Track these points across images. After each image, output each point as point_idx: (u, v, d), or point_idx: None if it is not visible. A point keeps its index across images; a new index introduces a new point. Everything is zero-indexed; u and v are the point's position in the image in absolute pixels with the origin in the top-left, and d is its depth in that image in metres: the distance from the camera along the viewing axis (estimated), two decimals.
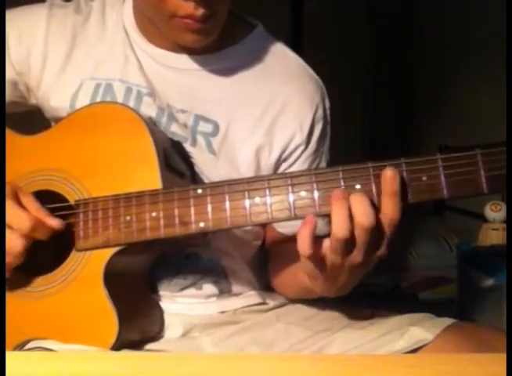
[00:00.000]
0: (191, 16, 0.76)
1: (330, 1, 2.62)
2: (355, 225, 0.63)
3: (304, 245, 0.63)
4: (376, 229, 0.63)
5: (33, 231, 0.74)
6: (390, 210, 0.63)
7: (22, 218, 0.74)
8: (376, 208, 0.64)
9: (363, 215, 0.62)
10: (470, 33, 2.20)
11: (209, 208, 0.69)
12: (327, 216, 0.66)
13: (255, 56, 0.90)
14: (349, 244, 0.64)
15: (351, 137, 2.49)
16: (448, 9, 2.34)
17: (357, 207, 0.63)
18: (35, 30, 0.88)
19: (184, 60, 0.87)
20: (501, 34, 1.26)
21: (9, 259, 0.75)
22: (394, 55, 2.74)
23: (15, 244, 0.74)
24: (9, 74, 0.90)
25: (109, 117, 0.79)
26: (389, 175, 0.63)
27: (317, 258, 0.66)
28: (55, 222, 0.76)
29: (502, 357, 0.54)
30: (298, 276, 0.75)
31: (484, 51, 2.08)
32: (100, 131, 0.79)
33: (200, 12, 0.75)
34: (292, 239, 0.70)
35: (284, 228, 0.89)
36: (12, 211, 0.74)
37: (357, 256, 0.65)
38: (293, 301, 0.92)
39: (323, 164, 0.91)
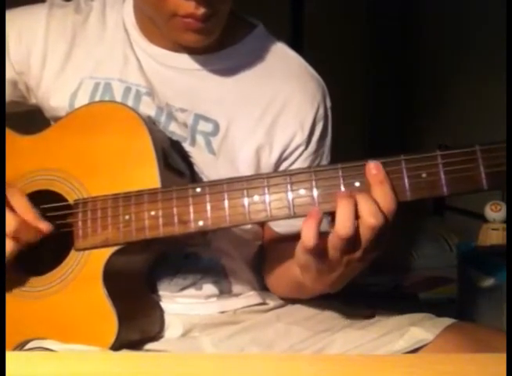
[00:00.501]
0: (192, 16, 0.76)
1: (330, 1, 2.62)
2: (361, 225, 0.63)
3: (309, 235, 0.63)
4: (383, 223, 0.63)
5: (18, 233, 0.74)
6: (381, 200, 0.63)
7: (8, 219, 0.73)
8: None
9: (370, 214, 0.62)
10: (470, 33, 2.20)
11: (208, 207, 0.69)
12: (329, 215, 0.66)
13: (256, 56, 0.90)
14: (351, 242, 0.63)
15: (351, 137, 2.48)
16: (448, 9, 2.34)
17: (364, 207, 0.62)
18: (35, 30, 0.88)
19: (184, 60, 0.87)
20: (501, 34, 1.26)
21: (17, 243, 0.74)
22: (394, 55, 2.74)
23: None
24: (9, 73, 0.90)
25: (107, 116, 0.79)
26: (372, 166, 0.63)
27: (317, 251, 0.65)
28: (43, 225, 0.75)
29: (502, 357, 0.54)
30: (290, 269, 0.75)
31: (484, 51, 2.08)
32: (99, 130, 0.79)
33: (201, 11, 0.75)
34: (287, 238, 0.69)
35: (280, 227, 0.88)
36: None
37: (356, 253, 0.65)
38: (294, 301, 0.92)
39: (324, 163, 0.91)
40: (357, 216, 0.63)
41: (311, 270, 0.69)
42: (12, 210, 0.74)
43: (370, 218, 0.62)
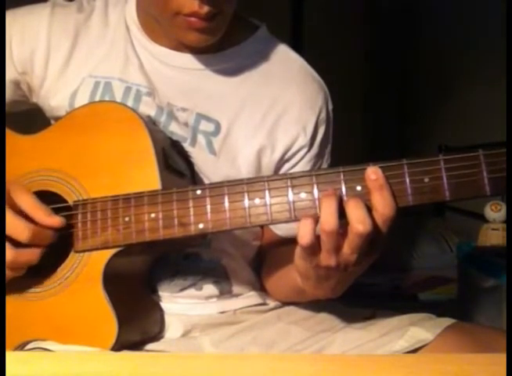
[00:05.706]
0: (195, 14, 0.76)
1: (330, 1, 2.62)
2: (349, 231, 0.62)
3: (304, 231, 0.63)
4: (372, 230, 0.62)
5: (34, 240, 0.72)
6: (380, 206, 0.62)
7: (20, 229, 0.72)
8: (369, 208, 0.63)
9: (358, 221, 0.61)
10: (471, 33, 2.20)
11: (208, 209, 0.69)
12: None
13: (258, 57, 0.90)
14: (334, 241, 0.63)
15: (351, 138, 2.49)
16: (449, 9, 2.34)
17: (352, 213, 0.62)
18: (38, 30, 0.88)
19: (186, 59, 0.87)
20: (501, 35, 1.26)
21: (13, 272, 0.74)
22: (394, 55, 2.74)
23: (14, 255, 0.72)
24: (12, 74, 0.90)
25: (107, 116, 0.79)
26: (372, 171, 0.63)
27: (312, 251, 0.65)
28: (55, 220, 0.74)
29: (502, 357, 0.54)
30: (291, 275, 0.74)
31: (485, 51, 2.08)
32: (98, 130, 0.79)
33: (205, 10, 0.75)
34: (287, 241, 0.69)
35: (281, 230, 0.88)
36: (8, 220, 0.71)
37: (351, 256, 0.64)
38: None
39: (325, 167, 0.91)
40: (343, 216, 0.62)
41: (311, 277, 0.68)
42: (21, 213, 0.73)
43: (358, 225, 0.61)
